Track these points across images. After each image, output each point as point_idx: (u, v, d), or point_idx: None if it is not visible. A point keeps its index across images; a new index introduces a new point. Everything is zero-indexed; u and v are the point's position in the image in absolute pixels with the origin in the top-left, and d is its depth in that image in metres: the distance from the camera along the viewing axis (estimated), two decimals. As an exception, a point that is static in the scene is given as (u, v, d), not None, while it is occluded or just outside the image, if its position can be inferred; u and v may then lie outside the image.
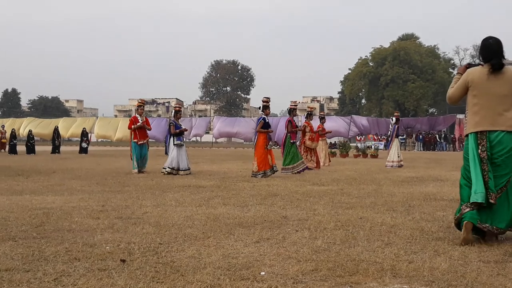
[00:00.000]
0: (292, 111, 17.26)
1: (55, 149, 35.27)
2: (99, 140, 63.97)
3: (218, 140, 63.30)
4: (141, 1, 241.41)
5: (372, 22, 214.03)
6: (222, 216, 7.04)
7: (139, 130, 16.12)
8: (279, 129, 45.78)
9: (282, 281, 3.95)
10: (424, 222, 6.67)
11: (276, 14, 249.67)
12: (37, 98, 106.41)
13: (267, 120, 14.68)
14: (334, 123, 58.30)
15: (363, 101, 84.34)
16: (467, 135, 5.54)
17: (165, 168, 15.12)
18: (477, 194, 5.27)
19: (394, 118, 21.01)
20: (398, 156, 20.21)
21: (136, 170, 15.67)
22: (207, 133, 65.30)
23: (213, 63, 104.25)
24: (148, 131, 16.46)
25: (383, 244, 5.31)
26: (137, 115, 16.52)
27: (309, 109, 19.65)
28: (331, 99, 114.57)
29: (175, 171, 15.01)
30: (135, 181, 12.66)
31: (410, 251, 4.98)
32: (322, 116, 22.72)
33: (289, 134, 16.25)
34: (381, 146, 52.53)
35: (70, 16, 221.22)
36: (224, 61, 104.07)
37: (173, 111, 16.49)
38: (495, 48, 5.47)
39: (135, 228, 6.15)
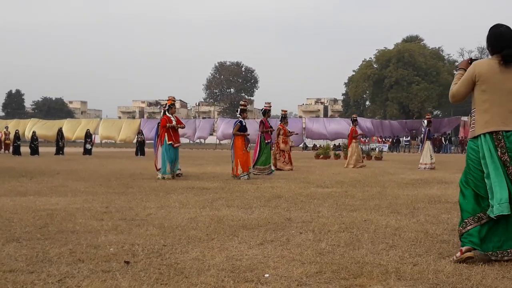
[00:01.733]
0: (266, 112, 17.85)
1: (59, 151, 35.34)
2: (103, 141, 64.06)
3: (222, 142, 63.29)
4: (146, 4, 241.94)
5: (376, 24, 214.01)
6: (226, 218, 7.03)
7: (174, 131, 14.53)
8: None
9: (286, 284, 3.94)
10: (429, 224, 6.65)
11: (280, 15, 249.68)
12: (41, 99, 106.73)
13: (243, 124, 14.93)
14: (338, 125, 58.39)
15: (367, 103, 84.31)
16: (476, 137, 4.82)
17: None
18: (503, 205, 4.54)
19: (425, 121, 21.35)
20: (431, 158, 20.36)
21: (169, 176, 13.99)
22: (211, 135, 65.33)
23: (217, 64, 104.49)
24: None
25: (387, 247, 5.29)
26: (169, 115, 14.60)
27: (282, 112, 20.10)
28: (335, 101, 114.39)
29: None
30: (139, 183, 12.66)
31: (415, 254, 4.96)
32: (355, 118, 22.87)
33: (263, 135, 16.64)
34: (385, 148, 52.50)
35: (74, 17, 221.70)
36: (228, 63, 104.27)
37: (166, 105, 15.16)
38: (508, 36, 4.78)
39: (139, 229, 6.14)
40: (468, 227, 4.70)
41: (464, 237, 4.72)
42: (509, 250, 4.64)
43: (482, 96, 4.79)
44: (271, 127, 17.26)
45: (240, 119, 15.00)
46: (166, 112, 14.59)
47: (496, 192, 4.58)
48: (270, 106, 18.27)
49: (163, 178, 13.82)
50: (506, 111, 4.71)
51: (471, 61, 5.07)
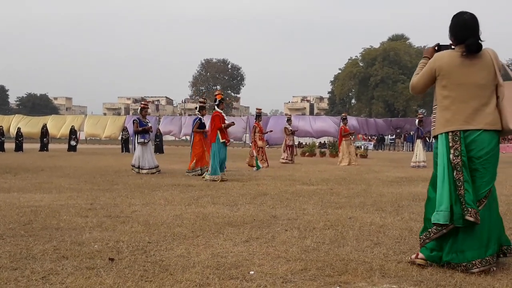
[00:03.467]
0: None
1: (44, 147, 35.11)
2: (88, 138, 63.70)
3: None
4: (131, 1, 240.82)
5: (362, 23, 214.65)
6: (211, 215, 7.02)
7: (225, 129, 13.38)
8: (269, 129, 45.74)
9: (271, 281, 3.94)
10: (413, 222, 6.69)
11: (266, 14, 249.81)
12: (26, 95, 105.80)
13: (203, 121, 15.22)
14: (323, 123, 58.49)
15: (353, 101, 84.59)
16: (436, 136, 4.47)
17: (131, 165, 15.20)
18: (440, 213, 4.23)
19: (417, 120, 21.74)
20: (422, 156, 20.55)
21: (218, 177, 12.68)
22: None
23: (203, 61, 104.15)
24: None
25: (372, 244, 5.31)
26: (219, 110, 13.42)
27: (257, 110, 20.49)
28: (321, 99, 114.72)
29: (136, 169, 14.92)
30: (124, 180, 12.61)
31: (399, 251, 4.99)
32: (344, 117, 23.32)
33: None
34: (370, 146, 52.77)
35: (59, 14, 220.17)
36: (214, 60, 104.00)
37: (139, 108, 16.02)
38: (472, 24, 4.31)
39: (124, 226, 6.12)
40: (426, 241, 4.43)
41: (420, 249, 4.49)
42: (474, 262, 4.19)
43: (443, 92, 4.38)
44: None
45: (199, 116, 15.27)
46: (216, 108, 13.44)
47: (438, 198, 4.30)
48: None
49: (214, 180, 12.55)
50: (470, 108, 4.27)
51: (438, 47, 4.60)
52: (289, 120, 23.65)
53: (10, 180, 12.22)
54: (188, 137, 68.33)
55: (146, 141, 15.16)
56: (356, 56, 79.13)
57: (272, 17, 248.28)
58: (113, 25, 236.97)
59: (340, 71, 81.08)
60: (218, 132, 13.06)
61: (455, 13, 4.45)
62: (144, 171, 14.75)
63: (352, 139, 22.80)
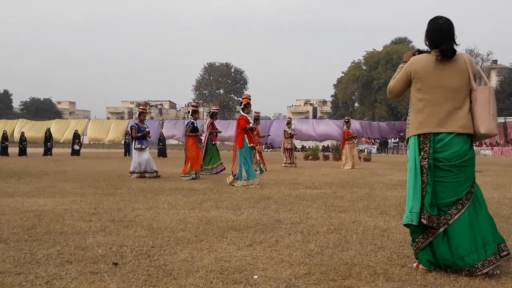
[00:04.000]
0: (214, 115, 18.20)
1: (47, 151, 35.19)
2: (92, 142, 63.82)
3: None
4: (135, 3, 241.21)
5: (366, 26, 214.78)
6: (215, 219, 7.02)
7: (251, 132, 13.11)
8: (272, 132, 45.89)
9: (275, 285, 3.94)
10: (417, 226, 6.67)
11: (270, 17, 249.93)
12: (29, 99, 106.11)
13: (195, 125, 15.49)
14: (326, 127, 58.55)
15: (356, 104, 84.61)
16: (408, 139, 4.55)
17: (130, 172, 15.01)
18: (413, 214, 4.28)
19: None
20: None
21: (256, 180, 12.44)
22: (200, 135, 65.13)
23: (206, 65, 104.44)
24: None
25: (376, 248, 5.30)
26: (245, 114, 13.09)
27: (256, 114, 20.79)
28: (324, 102, 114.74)
29: (135, 174, 14.86)
30: (127, 184, 12.62)
31: (403, 255, 4.98)
32: (348, 120, 23.18)
33: (210, 136, 17.00)
34: (374, 150, 52.73)
35: (63, 18, 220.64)
36: (217, 64, 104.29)
37: (138, 113, 15.95)
38: (446, 29, 4.38)
39: (128, 231, 6.12)
40: (419, 247, 4.41)
41: (417, 257, 4.46)
42: (476, 265, 4.16)
43: (418, 95, 4.43)
44: (268, 135, 17.72)
45: (192, 120, 15.59)
46: (242, 112, 13.15)
47: (409, 199, 4.35)
48: (218, 109, 19.00)
49: (251, 185, 12.20)
50: (443, 111, 4.33)
51: (418, 52, 4.63)
52: (289, 123, 23.70)
53: (14, 184, 12.25)
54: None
55: (143, 147, 15.11)
56: (359, 60, 79.28)
57: (275, 21, 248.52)
58: (117, 29, 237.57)
59: (343, 75, 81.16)
60: (245, 136, 12.77)
61: (430, 17, 4.51)
62: (148, 175, 14.75)
63: (355, 142, 22.75)
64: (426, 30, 4.50)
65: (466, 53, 4.52)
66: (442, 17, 4.46)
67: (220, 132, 17.91)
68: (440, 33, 4.38)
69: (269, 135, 25.57)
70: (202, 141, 16.37)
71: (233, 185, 12.28)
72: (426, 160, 4.31)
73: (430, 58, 4.40)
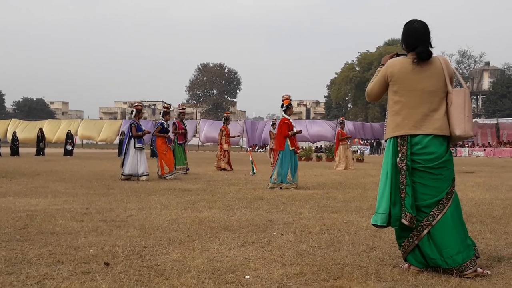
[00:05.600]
0: (180, 114, 18.44)
1: (40, 151, 35.05)
2: (84, 142, 63.63)
3: (205, 144, 63.20)
4: (128, 4, 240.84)
5: (359, 27, 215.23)
6: (207, 220, 7.01)
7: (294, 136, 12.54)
8: (265, 133, 45.92)
9: (267, 285, 3.94)
10: (409, 226, 6.69)
11: (263, 18, 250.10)
12: (22, 99, 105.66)
13: (165, 126, 15.58)
14: (320, 127, 58.63)
15: (349, 105, 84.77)
16: (385, 140, 4.58)
17: (123, 175, 13.96)
18: (378, 215, 4.37)
19: None
20: None
21: (284, 185, 12.04)
22: (194, 136, 65.16)
23: (200, 66, 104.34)
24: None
25: (368, 248, 5.31)
26: (287, 116, 12.52)
27: (225, 114, 21.68)
28: (317, 103, 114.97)
29: (133, 177, 13.94)
30: (120, 184, 12.59)
31: (395, 255, 4.99)
32: (342, 121, 23.44)
33: (176, 136, 17.12)
34: (367, 151, 52.87)
35: (55, 19, 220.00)
36: (210, 64, 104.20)
37: (134, 110, 14.81)
38: (421, 32, 4.43)
39: (120, 231, 6.11)
40: (407, 249, 4.43)
41: (406, 258, 4.49)
42: (465, 264, 4.21)
43: (394, 97, 4.47)
44: (185, 129, 17.81)
45: (162, 121, 15.70)
46: (284, 114, 12.52)
47: (378, 200, 4.43)
48: (184, 108, 19.01)
49: (279, 187, 11.98)
50: (419, 114, 4.36)
51: (396, 56, 4.66)
52: (273, 124, 23.81)
53: (6, 184, 12.20)
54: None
55: (143, 146, 14.36)
56: (352, 61, 79.57)
57: (269, 22, 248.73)
58: (110, 30, 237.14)
59: (336, 76, 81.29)
60: (287, 139, 12.29)
61: (407, 21, 4.54)
62: (144, 178, 13.91)
63: (348, 143, 22.78)
64: (402, 34, 4.56)
65: (442, 56, 4.58)
66: (417, 20, 4.51)
67: (184, 132, 17.51)
68: (415, 36, 4.42)
69: (239, 135, 26.81)
70: (172, 142, 16.42)
71: (273, 188, 11.92)
72: (404, 162, 4.34)
73: (406, 61, 4.44)
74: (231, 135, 20.43)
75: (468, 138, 4.50)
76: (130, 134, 14.22)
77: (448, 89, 4.41)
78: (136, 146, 14.11)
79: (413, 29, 4.45)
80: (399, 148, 4.38)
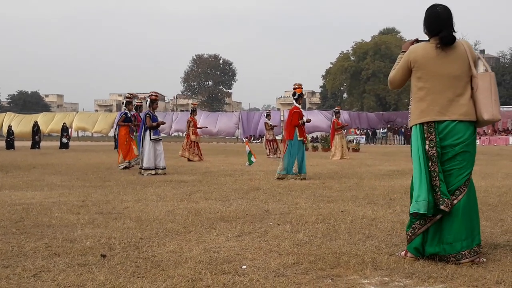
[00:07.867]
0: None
1: (35, 145, 34.94)
2: (80, 134, 63.50)
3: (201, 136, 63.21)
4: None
5: (354, 16, 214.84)
6: (204, 211, 7.02)
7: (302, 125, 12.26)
8: (261, 124, 45.91)
9: (264, 275, 3.95)
10: (405, 215, 6.69)
11: (258, 8, 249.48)
12: (17, 93, 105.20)
13: (129, 115, 15.84)
14: (315, 118, 58.50)
15: (345, 95, 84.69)
16: (411, 127, 4.52)
17: (142, 169, 13.22)
18: (419, 203, 4.27)
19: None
20: None
21: (289, 176, 11.87)
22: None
23: (195, 57, 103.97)
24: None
25: (364, 237, 5.33)
26: (297, 105, 12.32)
27: (192, 105, 21.67)
28: (313, 93, 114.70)
29: (151, 171, 13.14)
30: (116, 176, 12.58)
31: (391, 244, 5.01)
32: (337, 110, 23.51)
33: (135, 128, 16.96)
34: (362, 140, 52.90)
35: (50, 11, 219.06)
36: (205, 56, 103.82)
37: (148, 100, 14.12)
38: (445, 17, 4.35)
39: (116, 223, 6.11)
40: (413, 236, 4.42)
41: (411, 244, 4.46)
42: (463, 252, 4.24)
43: (418, 84, 4.42)
44: (205, 127, 18.14)
45: (126, 111, 15.99)
46: (295, 102, 12.31)
47: (415, 189, 4.34)
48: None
49: (282, 178, 11.79)
50: (444, 99, 4.31)
51: (417, 42, 4.60)
52: (268, 115, 23.86)
53: (1, 178, 12.17)
54: (180, 133, 68.41)
55: (159, 137, 13.63)
56: (347, 50, 79.26)
57: (263, 12, 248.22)
58: (105, 22, 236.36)
59: (331, 65, 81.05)
60: (296, 129, 12.06)
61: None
62: (160, 171, 13.26)
63: (344, 132, 22.78)
64: (424, 18, 4.47)
65: (465, 40, 4.50)
66: (440, 4, 4.44)
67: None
68: (439, 21, 4.35)
69: (206, 127, 28.29)
70: (136, 132, 15.39)
71: (281, 178, 11.76)
72: (434, 149, 4.30)
73: (429, 46, 4.38)
74: (198, 126, 20.98)
75: (496, 121, 4.47)
76: (145, 125, 13.47)
77: (473, 73, 4.36)
78: (152, 138, 13.36)
79: (436, 14, 4.38)
80: (426, 135, 4.34)
